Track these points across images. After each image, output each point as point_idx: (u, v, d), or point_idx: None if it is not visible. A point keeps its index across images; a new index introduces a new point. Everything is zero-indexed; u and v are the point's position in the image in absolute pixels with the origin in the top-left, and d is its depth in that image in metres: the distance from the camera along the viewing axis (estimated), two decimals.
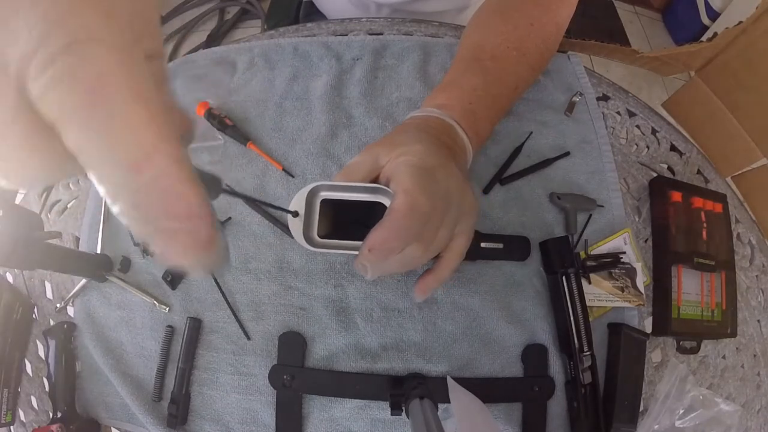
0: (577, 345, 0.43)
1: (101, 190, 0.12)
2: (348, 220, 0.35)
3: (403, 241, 0.30)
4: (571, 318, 0.44)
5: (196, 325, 0.48)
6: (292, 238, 0.33)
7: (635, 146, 0.58)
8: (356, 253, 0.31)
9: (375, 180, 0.35)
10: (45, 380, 0.50)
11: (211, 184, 0.20)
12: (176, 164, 0.12)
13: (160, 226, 0.12)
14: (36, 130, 0.12)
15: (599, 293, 0.48)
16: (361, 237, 0.30)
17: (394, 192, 0.31)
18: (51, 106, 0.11)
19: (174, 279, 0.49)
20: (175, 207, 0.12)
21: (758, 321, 0.55)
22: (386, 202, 0.31)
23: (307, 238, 0.32)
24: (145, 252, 0.50)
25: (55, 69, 0.11)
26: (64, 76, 0.11)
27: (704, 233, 0.53)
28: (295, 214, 0.31)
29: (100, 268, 0.49)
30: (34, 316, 0.53)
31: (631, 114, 0.59)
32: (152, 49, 0.14)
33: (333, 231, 0.34)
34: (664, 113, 0.73)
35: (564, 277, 0.45)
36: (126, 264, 0.51)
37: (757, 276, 0.56)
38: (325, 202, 0.32)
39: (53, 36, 0.11)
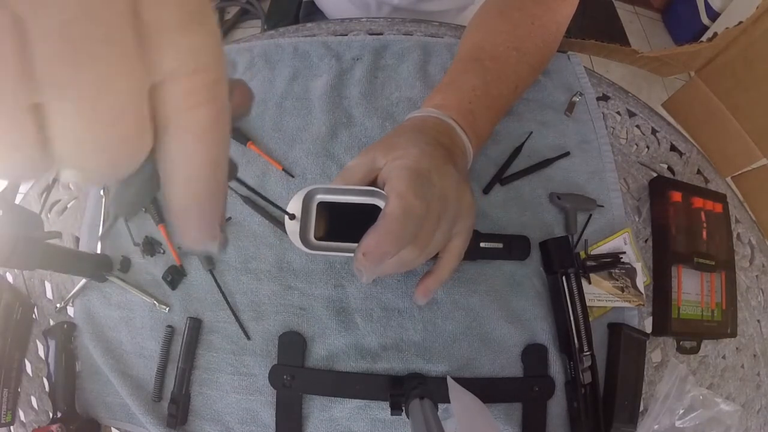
0: (577, 345, 0.43)
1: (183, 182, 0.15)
2: (345, 222, 0.35)
3: (396, 245, 0.29)
4: (571, 318, 0.44)
5: (196, 325, 0.48)
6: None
7: (635, 146, 0.58)
8: (352, 255, 0.31)
9: (373, 182, 0.35)
10: (45, 380, 0.50)
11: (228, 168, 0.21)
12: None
13: (199, 208, 0.16)
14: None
15: (599, 293, 0.48)
16: (358, 239, 0.30)
17: (388, 195, 0.31)
18: (193, 121, 0.15)
19: (174, 279, 0.49)
20: (212, 195, 0.16)
21: (758, 321, 0.55)
22: (382, 204, 0.31)
23: (304, 241, 0.32)
24: (145, 252, 0.50)
25: (205, 95, 0.14)
26: (208, 101, 0.14)
27: (704, 233, 0.53)
28: (292, 216, 0.32)
29: (100, 268, 0.49)
30: (34, 316, 0.53)
31: (631, 114, 0.59)
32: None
33: (330, 233, 0.34)
34: (664, 113, 0.73)
35: (564, 277, 0.45)
36: (126, 264, 0.51)
37: (757, 276, 0.56)
38: (322, 205, 0.32)
39: (203, 70, 0.14)
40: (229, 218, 0.50)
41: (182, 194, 0.15)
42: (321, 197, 0.32)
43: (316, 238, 0.32)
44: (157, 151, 0.15)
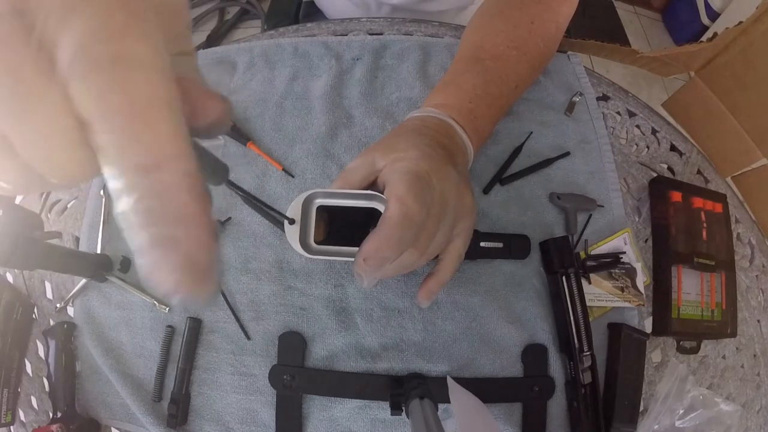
0: (577, 345, 0.43)
1: (111, 186, 0.12)
2: (345, 226, 0.35)
3: (396, 249, 0.29)
4: (571, 318, 0.44)
5: (196, 325, 0.48)
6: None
7: (635, 146, 0.58)
8: (352, 259, 0.31)
9: (373, 183, 0.35)
10: (45, 380, 0.50)
11: (217, 170, 0.20)
12: (189, 177, 0.12)
13: (157, 231, 0.12)
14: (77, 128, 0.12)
15: (599, 293, 0.48)
16: (358, 243, 0.30)
17: (388, 199, 0.31)
18: (88, 107, 0.12)
19: None
20: (179, 216, 0.12)
21: (758, 321, 0.55)
22: (381, 208, 0.31)
23: (304, 245, 0.32)
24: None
25: (100, 77, 0.12)
26: (107, 84, 0.12)
27: (704, 233, 0.53)
28: (292, 221, 0.32)
29: (100, 268, 0.49)
30: (34, 316, 0.53)
31: (631, 114, 0.59)
32: (184, 48, 0.15)
33: (330, 237, 0.34)
34: (664, 113, 0.73)
35: (564, 277, 0.45)
36: (126, 264, 0.51)
37: (757, 276, 0.56)
38: (322, 209, 0.32)
39: (101, 44, 0.12)
40: (229, 218, 0.50)
41: (113, 191, 0.12)
42: (320, 201, 0.32)
43: (316, 242, 0.33)
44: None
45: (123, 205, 0.12)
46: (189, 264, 0.12)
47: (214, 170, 0.20)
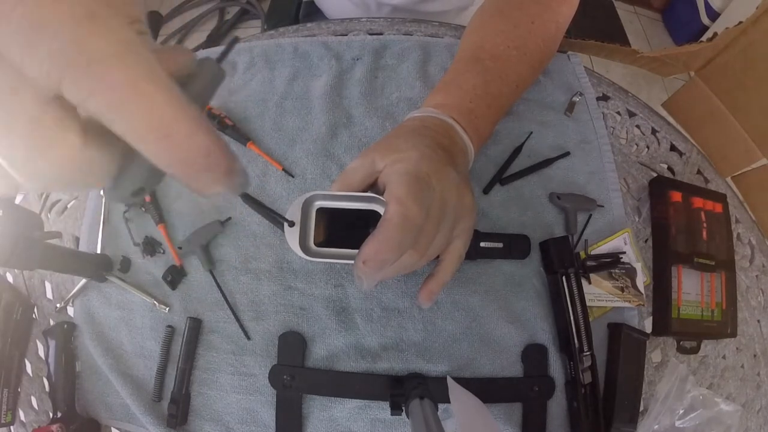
0: (577, 345, 0.43)
1: (148, 154, 0.15)
2: (345, 228, 0.35)
3: (396, 251, 0.29)
4: (571, 318, 0.44)
5: (196, 325, 0.48)
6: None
7: (635, 146, 0.58)
8: (352, 262, 0.31)
9: (373, 184, 0.35)
10: (45, 380, 0.50)
11: (215, 73, 0.20)
12: (194, 123, 0.15)
13: (192, 168, 0.16)
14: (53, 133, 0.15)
15: (599, 293, 0.48)
16: (357, 245, 0.30)
17: (387, 201, 0.31)
18: (91, 110, 0.14)
19: (174, 279, 0.49)
20: (199, 153, 0.15)
21: (758, 321, 0.55)
22: (381, 210, 0.31)
23: (304, 248, 0.32)
24: (145, 252, 0.50)
25: (85, 84, 0.14)
26: (93, 87, 0.14)
27: (704, 233, 0.53)
28: (292, 223, 0.32)
29: (100, 268, 0.49)
30: (34, 316, 0.53)
31: (631, 114, 0.59)
32: (134, 16, 0.16)
33: (330, 239, 0.34)
34: (664, 113, 0.73)
35: (564, 277, 0.45)
36: (126, 264, 0.51)
37: (757, 276, 0.56)
38: (321, 211, 0.32)
39: (74, 59, 0.13)
40: (229, 218, 0.50)
41: (159, 147, 0.15)
42: (320, 203, 0.32)
43: (315, 244, 0.33)
44: (112, 136, 0.15)
45: (163, 158, 0.15)
46: (222, 173, 0.16)
47: (210, 75, 0.20)
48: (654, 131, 0.59)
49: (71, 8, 0.13)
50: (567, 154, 0.52)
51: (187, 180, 0.16)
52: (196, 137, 0.15)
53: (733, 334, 0.52)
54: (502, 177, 0.51)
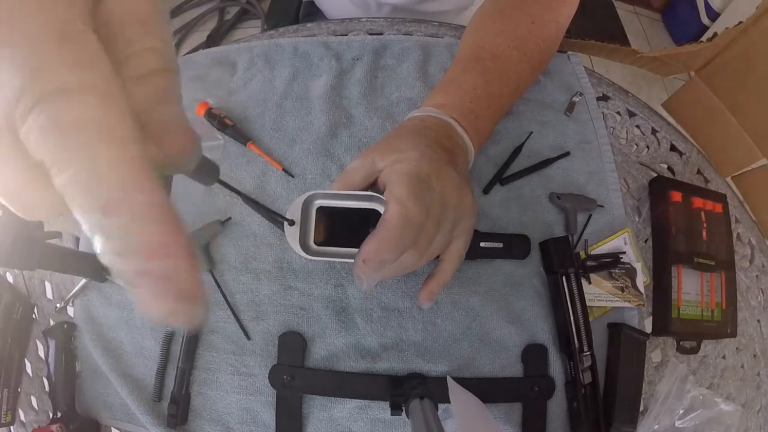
0: (577, 345, 0.43)
1: (84, 229, 0.12)
2: (345, 227, 0.35)
3: (396, 251, 0.29)
4: (571, 318, 0.44)
5: None
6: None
7: (635, 146, 0.58)
8: (352, 261, 0.31)
9: (373, 184, 0.35)
10: (45, 380, 0.50)
11: (208, 171, 0.20)
12: (154, 208, 0.12)
13: (138, 268, 0.12)
14: (32, 167, 0.12)
15: (599, 293, 0.48)
16: (357, 244, 0.30)
17: (387, 201, 0.31)
18: (36, 149, 0.12)
19: None
20: (152, 248, 0.12)
21: (758, 321, 0.55)
22: (381, 209, 0.31)
23: (304, 246, 0.32)
24: None
25: (38, 115, 0.11)
26: (46, 122, 0.11)
27: (704, 233, 0.53)
28: (292, 222, 0.32)
29: (100, 268, 0.49)
30: (34, 316, 0.53)
31: (631, 114, 0.59)
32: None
33: (330, 238, 0.34)
34: (664, 113, 0.73)
35: (564, 277, 0.45)
36: None
37: (757, 276, 0.56)
38: (321, 210, 0.33)
39: (34, 85, 0.11)
40: (229, 218, 0.50)
41: (87, 232, 0.12)
42: (320, 202, 0.32)
43: (315, 243, 0.33)
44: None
45: (99, 245, 0.12)
46: (174, 292, 0.12)
47: (205, 171, 0.20)
48: (654, 131, 0.59)
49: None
50: (567, 154, 0.52)
51: (126, 274, 0.12)
52: (156, 224, 0.12)
53: (733, 334, 0.52)
54: (502, 177, 0.51)
